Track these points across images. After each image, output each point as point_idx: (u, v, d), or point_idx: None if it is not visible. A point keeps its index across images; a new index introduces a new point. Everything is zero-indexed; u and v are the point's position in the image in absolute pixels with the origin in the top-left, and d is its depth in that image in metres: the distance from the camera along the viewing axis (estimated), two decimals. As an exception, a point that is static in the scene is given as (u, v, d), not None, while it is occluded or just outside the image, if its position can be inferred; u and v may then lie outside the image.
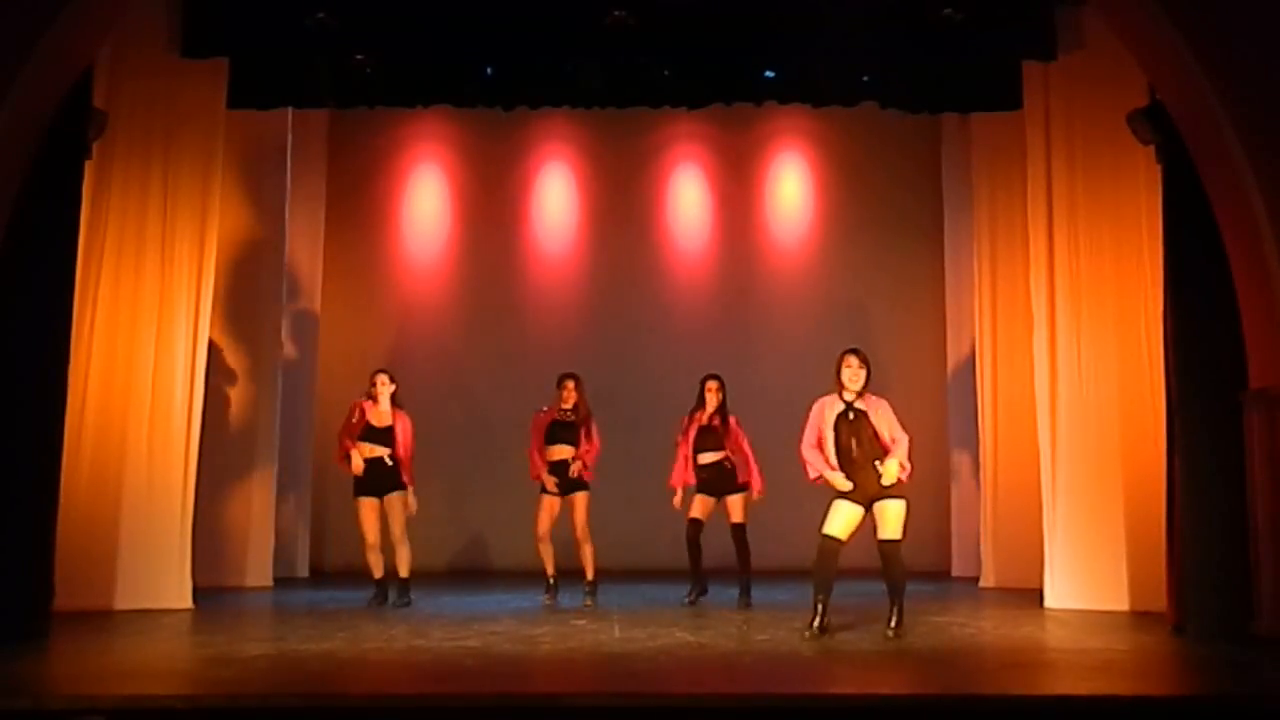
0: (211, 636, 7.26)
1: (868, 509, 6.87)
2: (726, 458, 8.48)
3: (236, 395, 9.96)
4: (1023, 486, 9.59)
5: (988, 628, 7.47)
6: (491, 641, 6.75)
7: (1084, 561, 8.37)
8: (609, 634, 7.07)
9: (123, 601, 8.15)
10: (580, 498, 8.53)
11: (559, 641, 6.79)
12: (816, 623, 6.87)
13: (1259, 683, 5.91)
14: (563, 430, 8.57)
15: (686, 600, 8.45)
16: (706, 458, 8.51)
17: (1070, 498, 8.50)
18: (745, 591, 8.43)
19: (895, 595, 6.96)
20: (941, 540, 10.99)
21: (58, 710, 5.11)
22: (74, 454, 7.90)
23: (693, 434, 8.54)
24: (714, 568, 8.74)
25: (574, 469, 8.50)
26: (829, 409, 6.93)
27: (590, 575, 8.59)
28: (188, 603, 8.31)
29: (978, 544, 10.13)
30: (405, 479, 8.40)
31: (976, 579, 9.99)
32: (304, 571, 10.52)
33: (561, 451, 8.54)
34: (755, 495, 8.53)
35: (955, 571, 10.69)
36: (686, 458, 8.57)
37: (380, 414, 8.41)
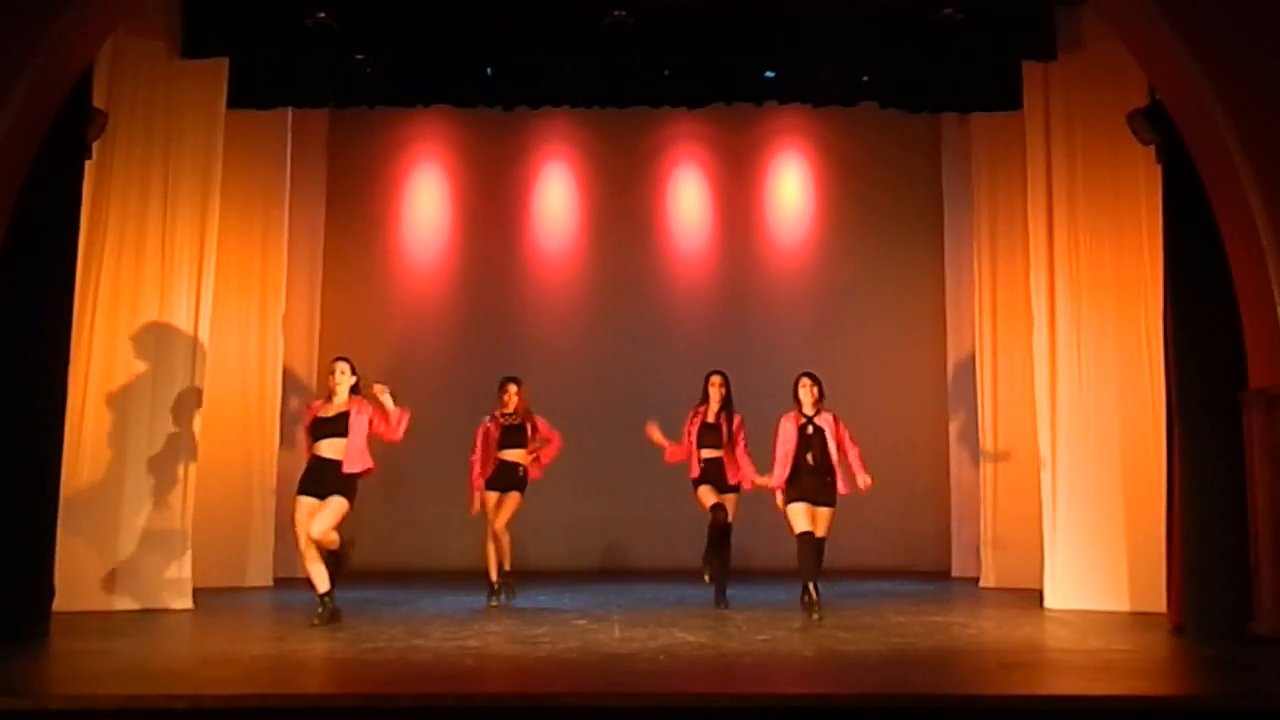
0: (211, 636, 7.27)
1: (815, 505, 7.91)
2: (724, 457, 8.47)
3: (236, 394, 9.95)
4: (1023, 486, 9.59)
5: (988, 628, 7.47)
6: (491, 641, 6.76)
7: (1084, 561, 8.37)
8: (609, 634, 7.06)
9: (123, 601, 8.16)
10: (514, 498, 8.48)
11: (559, 641, 6.78)
12: (816, 607, 7.67)
13: (1259, 683, 5.91)
14: (512, 434, 8.53)
15: (707, 579, 8.36)
16: (707, 454, 8.48)
17: (1070, 498, 8.50)
18: (722, 592, 8.39)
19: (811, 576, 7.84)
20: (941, 540, 10.99)
21: (58, 710, 5.11)
22: (74, 454, 7.90)
23: (695, 430, 8.50)
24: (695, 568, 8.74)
25: (532, 468, 8.51)
26: (792, 426, 8.00)
27: (507, 566, 8.54)
28: (188, 603, 8.31)
29: (978, 544, 10.12)
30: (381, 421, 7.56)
31: (976, 579, 9.99)
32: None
33: (513, 455, 8.50)
34: (746, 488, 8.48)
35: (955, 571, 10.68)
36: (690, 453, 8.48)
37: (333, 405, 7.60)
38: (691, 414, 8.58)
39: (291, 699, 5.30)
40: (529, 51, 9.04)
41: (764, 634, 7.08)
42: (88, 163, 7.73)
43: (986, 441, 10.08)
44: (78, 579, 7.93)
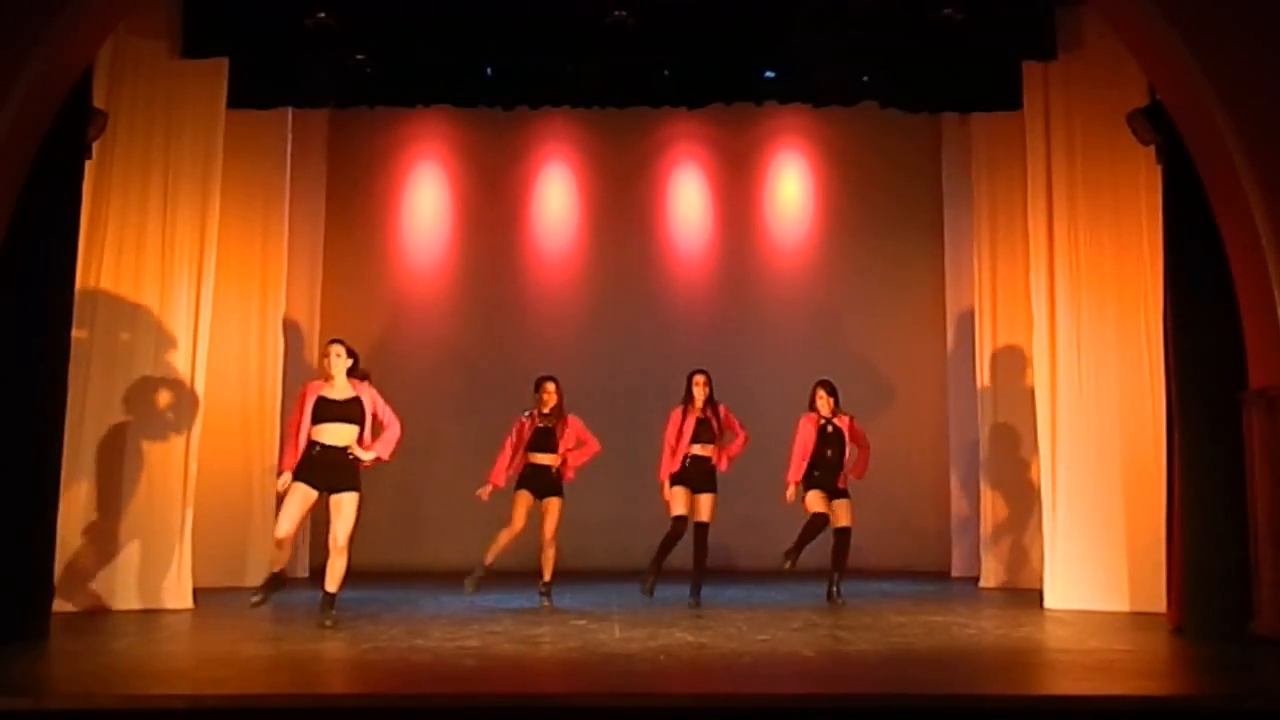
0: (211, 636, 7.27)
1: (830, 498, 8.67)
2: (714, 454, 8.56)
3: (236, 395, 9.94)
4: (1023, 486, 9.61)
5: (988, 628, 7.47)
6: (491, 641, 6.75)
7: (1084, 561, 8.37)
8: (609, 634, 7.07)
9: (123, 601, 8.16)
10: (556, 503, 8.44)
11: (559, 641, 6.79)
12: (793, 556, 8.44)
13: (1259, 683, 5.92)
14: (544, 436, 8.46)
15: (645, 589, 8.46)
16: (700, 449, 8.55)
17: (1070, 498, 8.50)
18: (696, 591, 8.49)
19: (840, 569, 8.67)
20: (941, 540, 10.99)
21: (58, 710, 5.11)
22: (74, 454, 7.89)
23: (688, 428, 8.56)
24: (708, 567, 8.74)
25: (563, 469, 8.46)
26: (812, 427, 8.74)
27: (548, 577, 8.47)
28: (188, 603, 8.31)
29: (978, 544, 10.13)
30: (369, 455, 7.32)
31: (976, 579, 9.99)
32: (304, 572, 10.49)
33: (544, 457, 8.43)
34: (735, 452, 8.70)
35: (955, 571, 10.68)
36: (674, 450, 8.56)
37: (338, 387, 7.33)
38: (680, 413, 8.63)
39: (291, 699, 5.30)
40: (529, 51, 9.04)
41: (764, 634, 7.08)
42: (88, 162, 7.72)
43: (986, 441, 10.08)
44: (78, 579, 7.95)
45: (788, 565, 8.42)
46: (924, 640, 6.89)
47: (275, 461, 9.98)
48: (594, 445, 8.61)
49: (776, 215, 12.08)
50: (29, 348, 6.99)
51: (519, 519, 8.39)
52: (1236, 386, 6.93)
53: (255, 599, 7.32)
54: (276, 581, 7.37)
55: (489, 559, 8.40)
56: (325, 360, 7.42)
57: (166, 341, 8.54)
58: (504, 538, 8.40)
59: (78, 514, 8.00)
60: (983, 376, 10.21)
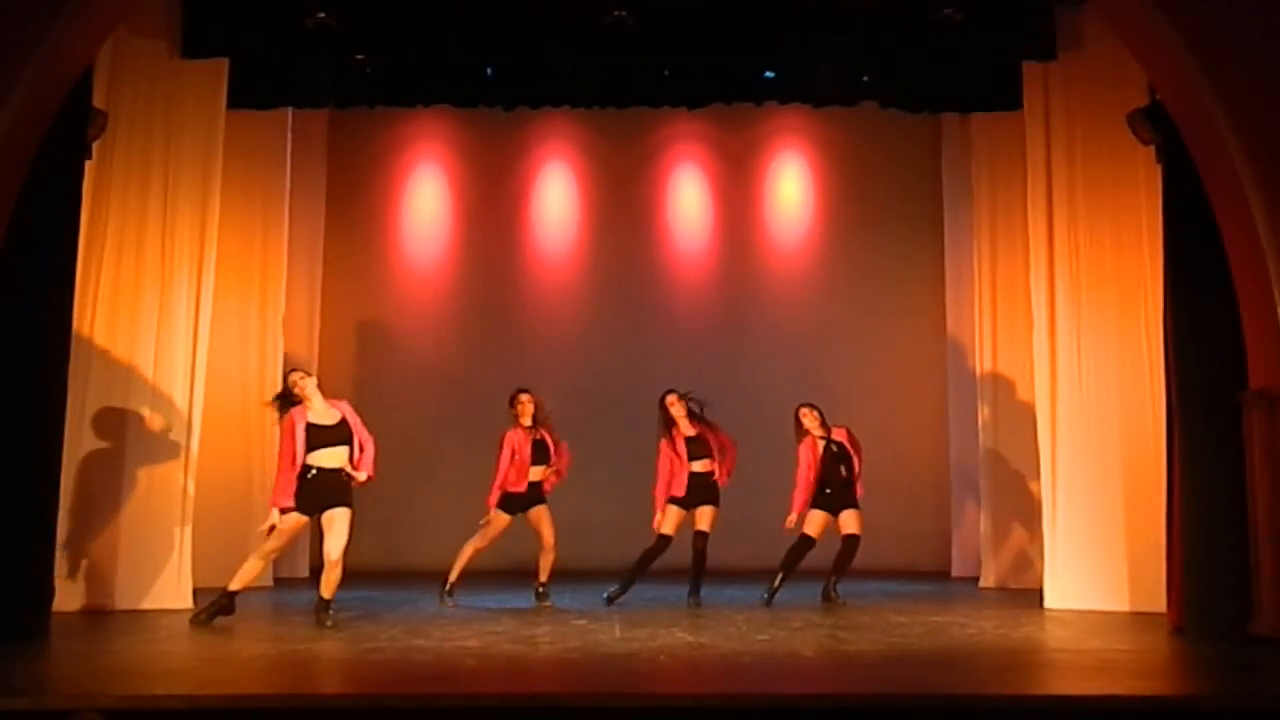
0: (211, 636, 7.27)
1: (835, 513, 8.60)
2: (713, 470, 8.54)
3: (236, 395, 9.93)
4: (1023, 486, 9.60)
5: (988, 628, 7.47)
6: (491, 641, 6.76)
7: (1084, 561, 8.37)
8: (609, 634, 7.07)
9: (123, 601, 8.16)
10: (545, 510, 8.45)
11: (559, 641, 6.79)
12: (773, 592, 8.41)
13: (1259, 683, 5.91)
14: (540, 450, 8.45)
15: (609, 595, 8.49)
16: (700, 465, 8.55)
17: (1070, 498, 8.50)
18: (696, 590, 8.52)
19: (839, 572, 8.63)
20: (941, 540, 10.99)
21: (58, 710, 5.11)
22: (74, 454, 7.89)
23: (683, 448, 8.53)
24: (708, 568, 8.75)
25: (548, 481, 8.48)
26: (815, 449, 8.57)
27: (545, 578, 8.50)
28: (188, 603, 8.30)
29: (978, 544, 10.13)
30: (364, 474, 7.40)
31: (976, 579, 9.99)
32: (304, 571, 10.50)
33: (537, 472, 8.43)
34: (730, 467, 8.65)
35: (955, 571, 10.68)
36: (674, 472, 8.51)
37: (322, 411, 7.40)
38: (667, 440, 8.59)
39: (291, 699, 5.30)
40: (529, 51, 9.05)
41: (764, 634, 7.08)
42: (88, 163, 7.73)
43: (986, 441, 10.07)
44: (79, 579, 7.95)
45: (765, 598, 8.38)
46: (924, 640, 6.89)
47: (275, 460, 9.97)
48: (565, 453, 8.56)
49: (776, 215, 12.08)
50: (29, 348, 7.00)
51: (495, 535, 8.41)
52: (1236, 386, 6.93)
53: (199, 618, 7.42)
54: (223, 604, 7.46)
55: (455, 575, 8.44)
56: (297, 389, 7.42)
57: (166, 341, 8.53)
58: (469, 555, 8.44)
59: (78, 514, 7.99)
60: (983, 376, 10.20)
